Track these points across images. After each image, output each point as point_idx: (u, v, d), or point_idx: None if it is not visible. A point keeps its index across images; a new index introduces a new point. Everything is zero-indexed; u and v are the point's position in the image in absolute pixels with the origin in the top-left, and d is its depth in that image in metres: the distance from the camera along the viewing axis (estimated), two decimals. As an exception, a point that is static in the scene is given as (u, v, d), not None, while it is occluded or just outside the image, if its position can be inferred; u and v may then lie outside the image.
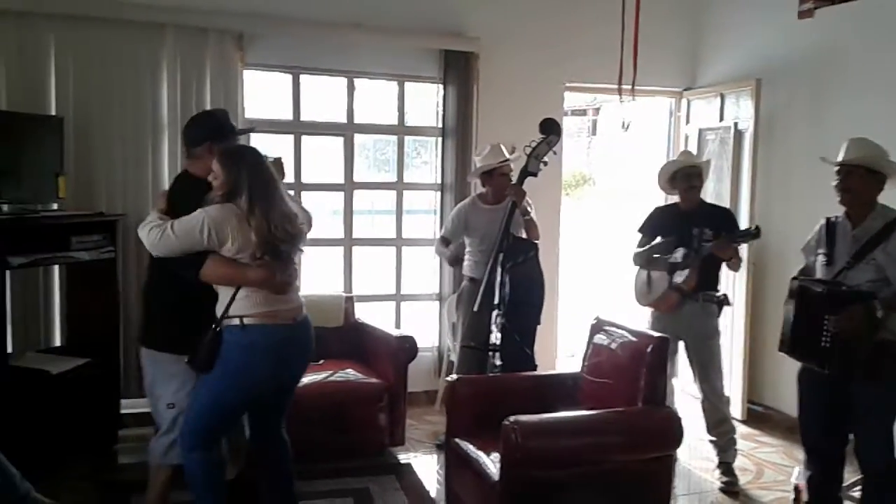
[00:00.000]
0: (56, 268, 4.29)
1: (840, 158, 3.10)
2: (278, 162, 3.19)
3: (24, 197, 3.95)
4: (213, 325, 2.79)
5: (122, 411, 4.29)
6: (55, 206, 4.10)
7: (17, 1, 4.12)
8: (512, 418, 2.91)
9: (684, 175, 4.11)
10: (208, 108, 4.53)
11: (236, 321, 2.78)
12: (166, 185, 4.48)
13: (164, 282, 2.96)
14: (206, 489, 2.96)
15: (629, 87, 4.06)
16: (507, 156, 4.39)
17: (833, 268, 3.08)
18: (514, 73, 5.20)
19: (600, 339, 3.53)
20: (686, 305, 4.03)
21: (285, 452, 3.12)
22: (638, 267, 4.25)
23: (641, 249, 4.24)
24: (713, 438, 4.11)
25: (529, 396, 3.50)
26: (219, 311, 2.80)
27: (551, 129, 4.10)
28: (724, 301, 4.08)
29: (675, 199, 4.38)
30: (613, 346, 3.43)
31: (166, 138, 4.50)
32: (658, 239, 4.17)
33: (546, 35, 5.26)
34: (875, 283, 2.93)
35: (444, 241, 4.52)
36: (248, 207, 2.74)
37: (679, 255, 4.02)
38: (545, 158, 4.09)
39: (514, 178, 4.26)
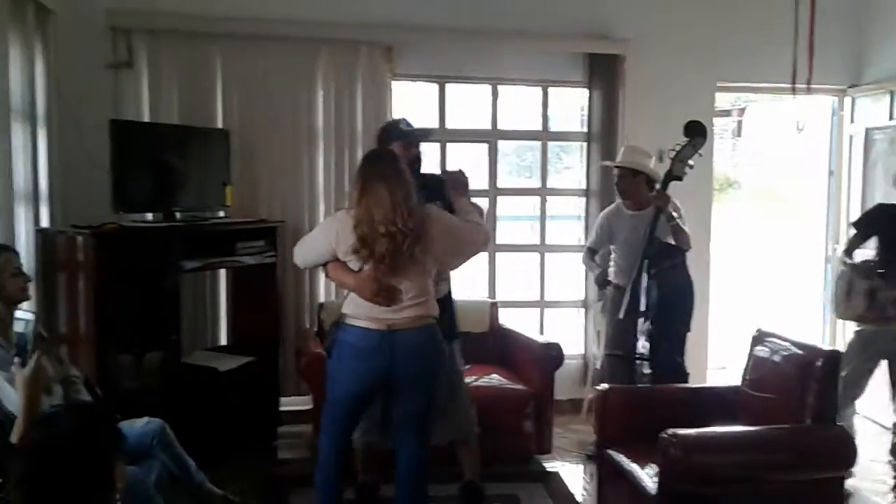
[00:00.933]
0: (222, 271, 4.56)
1: None
2: (455, 175, 3.28)
3: (195, 205, 4.24)
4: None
5: (281, 409, 4.51)
6: (222, 214, 4.37)
7: (187, 22, 4.42)
8: (670, 431, 2.82)
9: None
10: (359, 119, 4.71)
11: (343, 319, 2.93)
12: (321, 194, 4.70)
13: None
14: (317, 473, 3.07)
15: (803, 84, 3.78)
16: (619, 159, 4.29)
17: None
18: (662, 75, 5.06)
19: (762, 351, 3.35)
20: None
21: (410, 469, 3.02)
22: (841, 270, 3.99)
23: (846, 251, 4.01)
24: (893, 461, 3.81)
25: (684, 409, 3.38)
26: None
27: (697, 132, 3.90)
28: None
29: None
30: (777, 358, 3.25)
31: (321, 148, 4.69)
32: (873, 239, 3.88)
33: (697, 34, 5.08)
34: None
35: (591, 251, 4.43)
36: (354, 210, 2.83)
37: None
38: (690, 162, 3.91)
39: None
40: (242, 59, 4.53)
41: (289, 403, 4.59)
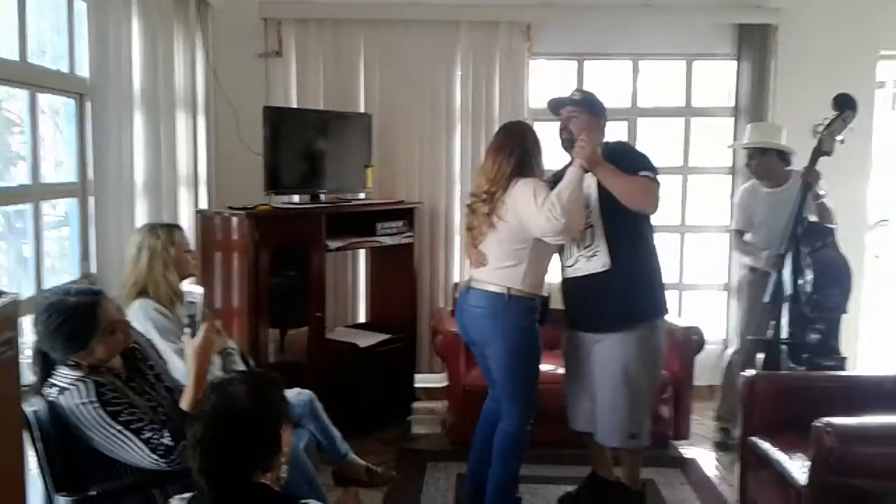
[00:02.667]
0: (362, 251, 4.72)
1: None
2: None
3: (339, 187, 4.42)
4: None
5: (416, 385, 4.64)
6: (363, 196, 4.52)
7: (331, 10, 4.61)
8: (824, 420, 2.67)
9: None
10: (497, 99, 4.73)
11: None
12: (458, 175, 4.77)
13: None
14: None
15: None
16: (755, 138, 4.08)
17: None
18: (817, 45, 4.75)
19: (929, 339, 3.12)
20: None
21: (497, 435, 3.10)
22: None
23: None
24: None
25: (838, 397, 3.18)
26: None
27: (846, 104, 3.66)
28: None
29: None
30: (946, 347, 3.02)
31: (458, 130, 4.75)
32: None
33: (856, -1, 4.73)
34: None
35: (740, 233, 4.22)
36: None
37: None
38: (839, 137, 3.67)
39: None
40: (383, 44, 4.66)
41: (423, 381, 4.72)
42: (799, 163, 3.95)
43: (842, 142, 3.69)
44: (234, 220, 3.80)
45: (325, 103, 4.59)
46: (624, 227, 2.96)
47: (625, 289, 2.96)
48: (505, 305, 2.98)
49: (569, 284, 3.11)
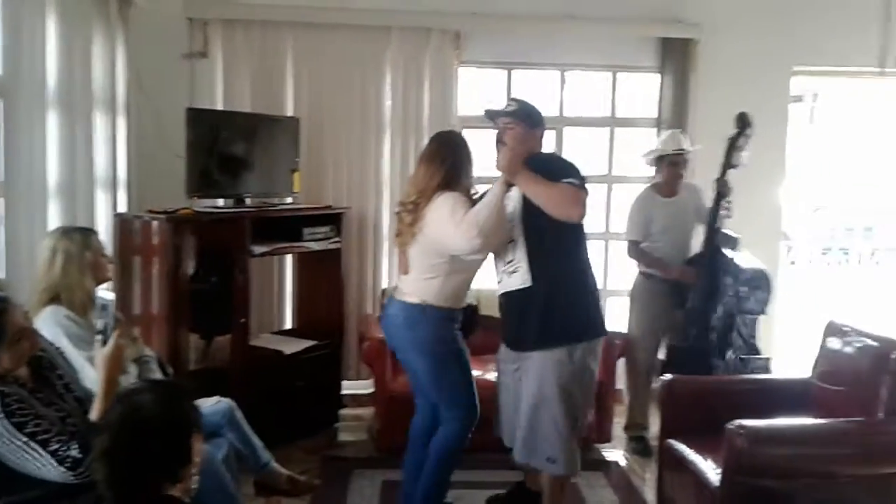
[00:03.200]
0: (289, 256, 4.66)
1: None
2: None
3: (265, 191, 4.36)
4: None
5: (343, 392, 4.60)
6: (290, 200, 4.47)
7: (260, 12, 4.53)
8: (737, 422, 2.77)
9: None
10: (426, 106, 4.74)
11: None
12: (387, 180, 4.75)
13: None
14: None
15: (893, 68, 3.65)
16: (685, 145, 4.22)
17: None
18: (736, 60, 4.93)
19: (834, 343, 3.26)
20: None
21: (435, 440, 3.11)
22: None
23: None
24: None
25: (751, 400, 3.31)
26: None
27: (746, 122, 4.00)
28: None
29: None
30: (850, 351, 3.16)
31: (388, 135, 4.74)
32: None
33: (773, 16, 4.93)
34: None
35: (635, 244, 4.25)
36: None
37: None
38: (745, 151, 3.98)
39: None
40: (313, 48, 4.62)
41: (350, 388, 4.69)
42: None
43: (745, 156, 3.98)
44: (155, 224, 3.70)
45: (253, 106, 4.52)
46: (545, 242, 2.83)
47: (544, 308, 2.83)
48: (421, 316, 2.97)
49: (499, 299, 3.06)
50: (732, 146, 3.95)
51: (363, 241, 4.75)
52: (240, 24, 4.52)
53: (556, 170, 2.79)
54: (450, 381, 3.04)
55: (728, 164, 3.97)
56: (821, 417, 3.10)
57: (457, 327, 3.05)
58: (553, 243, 2.83)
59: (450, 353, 3.02)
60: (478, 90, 5.33)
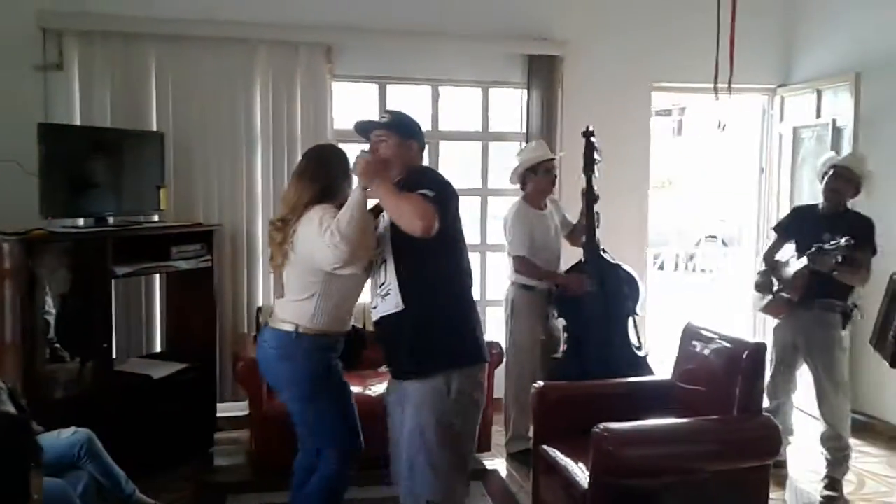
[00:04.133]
0: (157, 276, 4.48)
1: None
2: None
3: (129, 209, 4.18)
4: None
5: (218, 415, 4.46)
6: (156, 218, 4.31)
7: (120, 23, 4.35)
8: (602, 426, 2.87)
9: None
10: (298, 120, 4.68)
11: None
12: (260, 196, 4.65)
13: None
14: None
15: (724, 85, 3.94)
16: (550, 153, 4.38)
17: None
18: (599, 77, 5.15)
19: (692, 345, 3.44)
20: (800, 312, 3.88)
21: (313, 480, 2.95)
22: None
23: (765, 253, 4.19)
24: (824, 452, 3.93)
25: (619, 403, 3.42)
26: None
27: (589, 133, 4.30)
28: (849, 312, 3.83)
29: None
30: (706, 352, 3.34)
31: (259, 150, 4.65)
32: (791, 243, 4.00)
33: (633, 36, 5.19)
34: None
35: (523, 258, 4.19)
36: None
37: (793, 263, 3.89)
38: (599, 158, 4.28)
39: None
40: (177, 61, 4.47)
41: (226, 410, 4.55)
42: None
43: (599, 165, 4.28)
44: (6, 245, 3.48)
45: (114, 121, 4.33)
46: (416, 262, 2.57)
47: (417, 333, 2.58)
48: (294, 347, 2.78)
49: (374, 325, 2.79)
50: (591, 158, 4.22)
51: (237, 258, 4.63)
52: (98, 36, 4.32)
53: (417, 181, 2.56)
54: (320, 420, 2.87)
55: (589, 172, 4.21)
56: (682, 417, 3.24)
57: (334, 357, 2.89)
58: (423, 264, 2.57)
59: (320, 391, 2.82)
60: (354, 104, 5.31)
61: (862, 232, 3.73)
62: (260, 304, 4.62)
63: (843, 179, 3.87)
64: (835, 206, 3.90)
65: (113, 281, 3.83)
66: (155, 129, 4.41)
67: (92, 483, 2.88)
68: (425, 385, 2.57)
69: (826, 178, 3.93)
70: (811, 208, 4.08)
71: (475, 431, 2.69)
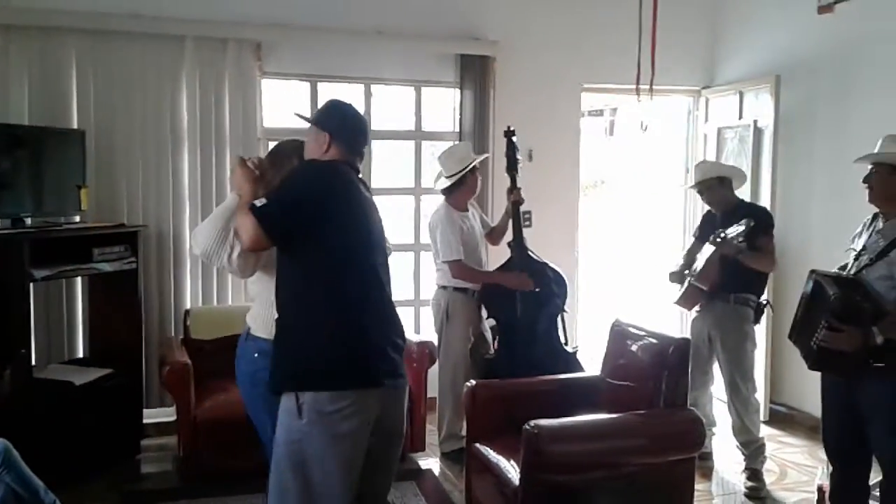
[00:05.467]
0: (78, 279, 4.33)
1: (870, 155, 3.00)
2: None
3: (47, 210, 4.04)
4: None
5: (145, 421, 4.34)
6: (77, 219, 4.16)
7: (39, 17, 4.19)
8: (532, 423, 2.89)
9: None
10: (227, 118, 4.59)
11: None
12: (188, 196, 4.54)
13: None
14: None
15: (647, 86, 4.05)
16: (473, 154, 4.40)
17: (858, 263, 3.03)
18: (531, 77, 5.21)
19: (620, 341, 3.51)
20: (716, 306, 4.00)
21: None
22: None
23: (685, 253, 4.31)
24: (739, 445, 4.06)
25: (550, 400, 3.46)
26: None
27: (512, 134, 4.33)
28: (761, 306, 3.97)
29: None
30: (634, 348, 3.40)
31: (186, 149, 4.54)
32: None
33: (563, 37, 5.26)
34: (885, 282, 2.87)
35: (459, 262, 4.14)
36: None
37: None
38: (521, 157, 4.35)
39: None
40: (100, 57, 4.34)
41: (153, 416, 4.44)
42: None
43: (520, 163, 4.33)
44: (-87, 249, 3.32)
45: (31, 118, 4.16)
46: (288, 276, 2.39)
47: (275, 345, 2.40)
48: (243, 346, 2.64)
49: None
50: (514, 157, 4.27)
51: (163, 260, 4.51)
52: (14, 30, 4.16)
53: (279, 185, 2.41)
54: (260, 425, 2.64)
55: (513, 172, 4.26)
56: (611, 412, 3.28)
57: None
58: (293, 278, 2.38)
59: (259, 396, 2.56)
60: (285, 102, 5.24)
61: (760, 218, 3.88)
62: (188, 306, 4.52)
63: (707, 192, 4.07)
64: (724, 208, 4.05)
65: (31, 284, 3.69)
66: (76, 126, 4.26)
67: (9, 494, 2.77)
68: (283, 401, 2.35)
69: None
70: (715, 213, 4.20)
71: (337, 462, 2.31)
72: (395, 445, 2.59)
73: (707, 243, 3.91)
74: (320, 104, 4.77)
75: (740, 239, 3.70)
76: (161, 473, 4.06)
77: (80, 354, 4.39)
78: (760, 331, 4.85)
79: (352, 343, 2.34)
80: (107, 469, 3.98)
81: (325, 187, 2.36)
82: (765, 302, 4.00)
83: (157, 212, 4.48)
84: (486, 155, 4.46)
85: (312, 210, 2.30)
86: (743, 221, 3.68)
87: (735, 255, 3.76)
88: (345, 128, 2.47)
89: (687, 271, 4.07)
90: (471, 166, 4.22)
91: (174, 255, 4.53)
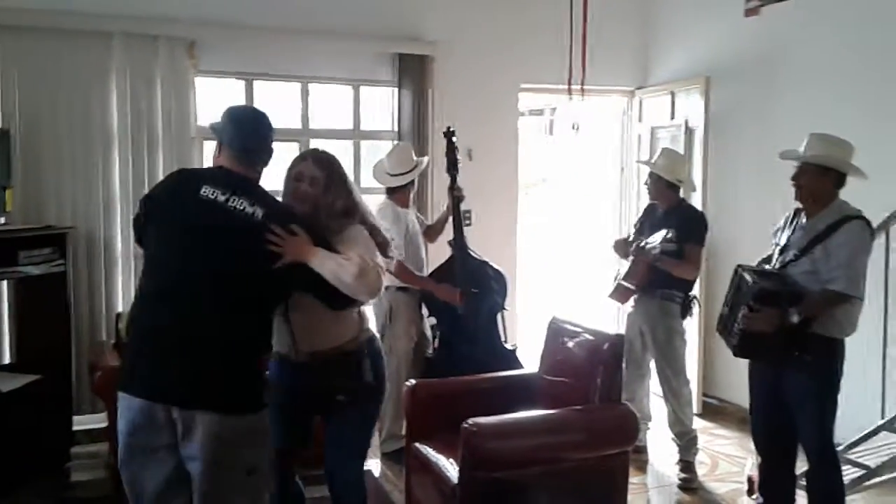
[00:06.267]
0: (3, 283, 4.19)
1: (800, 152, 3.10)
2: None
3: (-31, 212, 3.88)
4: (357, 349, 2.61)
5: (75, 428, 4.22)
6: (2, 220, 4.01)
7: (-42, 12, 4.04)
8: (471, 420, 2.91)
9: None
10: (159, 116, 4.49)
11: (368, 334, 2.71)
12: (118, 196, 4.43)
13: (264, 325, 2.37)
14: None
15: (578, 87, 4.12)
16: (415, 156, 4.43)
17: (783, 257, 3.14)
18: (469, 76, 5.24)
19: (557, 338, 3.55)
20: (644, 302, 4.09)
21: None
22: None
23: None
24: (673, 437, 4.16)
25: (490, 398, 3.47)
26: (348, 331, 2.62)
27: (450, 132, 4.34)
28: (688, 301, 4.07)
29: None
30: (570, 344, 3.45)
31: (116, 148, 4.44)
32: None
33: (501, 38, 5.31)
34: (809, 276, 2.99)
35: (402, 264, 4.06)
36: (367, 219, 2.63)
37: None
38: (460, 156, 4.37)
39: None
40: (25, 54, 4.20)
41: (84, 422, 4.31)
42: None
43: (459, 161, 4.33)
44: None
45: (-50, 116, 4.02)
46: None
47: None
48: None
49: None
50: (454, 156, 4.28)
51: (93, 262, 4.39)
52: (-69, 25, 4.00)
53: None
54: None
55: (453, 171, 4.28)
56: (549, 408, 3.32)
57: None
58: None
59: None
60: (220, 101, 5.15)
61: (689, 226, 4.01)
62: (119, 309, 4.40)
63: (655, 182, 4.16)
64: (666, 203, 4.15)
65: (-49, 289, 3.56)
66: (-1, 125, 4.12)
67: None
68: None
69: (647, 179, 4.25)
70: (655, 206, 4.30)
71: (127, 468, 2.27)
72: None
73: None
74: (256, 102, 4.83)
75: (656, 250, 3.84)
76: (92, 481, 3.93)
77: (7, 360, 4.24)
78: (692, 326, 5.00)
79: (135, 352, 2.30)
80: (36, 477, 3.86)
81: (150, 192, 2.47)
82: (692, 297, 4.10)
83: (86, 213, 4.36)
84: (426, 158, 4.46)
85: (141, 213, 2.42)
86: (662, 234, 3.82)
87: (652, 262, 3.89)
88: (227, 131, 2.41)
89: (619, 270, 4.16)
90: (419, 171, 4.29)
91: (105, 257, 4.42)
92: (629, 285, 4.05)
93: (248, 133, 2.41)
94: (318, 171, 2.54)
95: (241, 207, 2.24)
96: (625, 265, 4.15)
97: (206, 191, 2.26)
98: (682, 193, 4.25)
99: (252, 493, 2.32)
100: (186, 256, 2.25)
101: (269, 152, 2.45)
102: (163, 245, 2.31)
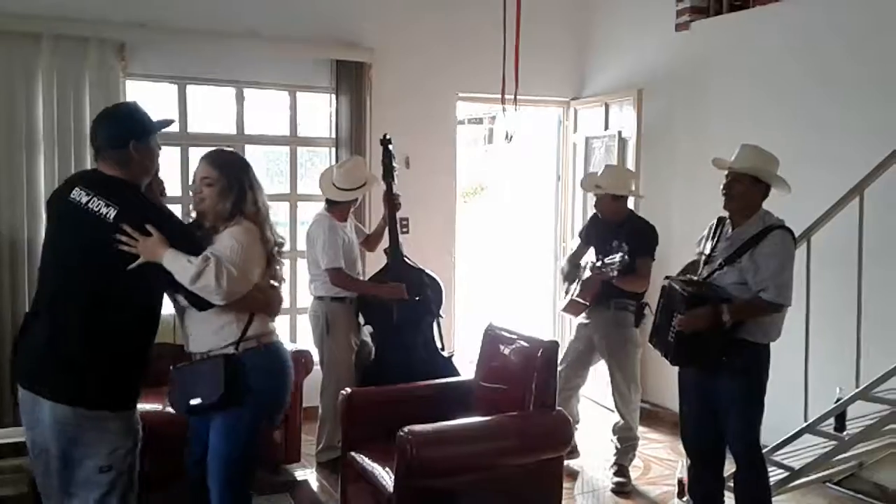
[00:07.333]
0: (-80, 291, 4.02)
1: (730, 163, 3.17)
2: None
3: None
4: (229, 354, 2.52)
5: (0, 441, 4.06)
6: (-82, 226, 3.86)
7: None
8: (406, 428, 2.91)
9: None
10: (87, 120, 4.35)
11: (253, 343, 2.58)
12: (42, 201, 4.29)
13: (131, 325, 2.40)
14: None
15: (511, 97, 4.17)
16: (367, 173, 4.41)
17: (710, 267, 3.22)
18: (407, 84, 5.25)
19: (493, 345, 3.58)
20: (599, 313, 4.15)
21: None
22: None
23: (570, 255, 4.47)
24: (614, 441, 4.23)
25: (426, 405, 3.48)
26: (226, 337, 2.55)
27: (386, 141, 4.34)
28: (641, 309, 4.12)
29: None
30: (506, 351, 3.48)
31: (42, 152, 4.30)
32: (591, 248, 4.30)
33: (438, 47, 5.34)
34: (738, 286, 3.08)
35: (339, 270, 4.09)
36: (259, 220, 2.59)
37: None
38: (396, 164, 4.40)
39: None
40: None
41: (8, 435, 4.12)
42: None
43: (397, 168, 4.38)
44: None
45: None
46: None
47: None
48: None
49: None
50: (390, 165, 4.29)
51: (16, 269, 4.25)
52: None
53: None
54: None
55: (389, 179, 4.29)
56: (485, 415, 3.35)
57: None
58: None
59: None
60: (152, 105, 5.03)
61: (640, 239, 4.05)
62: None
63: (607, 202, 4.18)
64: (613, 218, 4.19)
65: None
66: (-84, 127, 3.95)
67: None
68: None
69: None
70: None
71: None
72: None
73: (595, 253, 4.15)
74: (190, 108, 4.74)
75: (612, 272, 3.88)
76: (18, 496, 3.78)
77: (-78, 373, 4.06)
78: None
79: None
80: (-47, 496, 3.70)
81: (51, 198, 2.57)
82: (644, 304, 4.16)
83: (10, 219, 4.22)
84: (378, 180, 4.39)
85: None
86: (619, 256, 3.84)
87: (608, 280, 3.95)
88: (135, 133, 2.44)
89: (574, 285, 4.23)
90: (367, 190, 4.31)
91: (28, 263, 4.26)
92: (583, 301, 4.12)
93: (93, 131, 2.47)
94: (213, 171, 2.58)
95: (97, 208, 2.30)
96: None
97: (75, 193, 2.34)
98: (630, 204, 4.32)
99: (103, 490, 2.35)
100: (54, 252, 2.41)
101: (118, 147, 2.39)
102: (45, 242, 2.51)
